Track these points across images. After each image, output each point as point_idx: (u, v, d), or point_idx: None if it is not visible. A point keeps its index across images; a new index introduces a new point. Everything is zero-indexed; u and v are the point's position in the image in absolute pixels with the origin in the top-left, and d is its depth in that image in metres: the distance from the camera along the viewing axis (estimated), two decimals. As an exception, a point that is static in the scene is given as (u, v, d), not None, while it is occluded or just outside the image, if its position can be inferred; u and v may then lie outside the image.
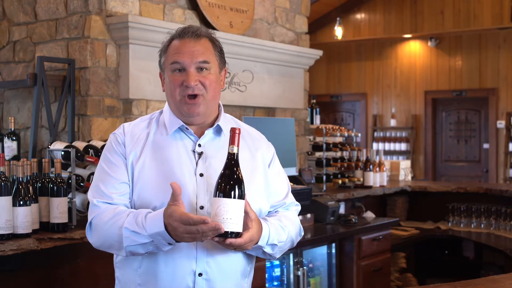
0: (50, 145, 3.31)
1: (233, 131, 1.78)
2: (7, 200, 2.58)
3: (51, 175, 2.88)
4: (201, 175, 1.88)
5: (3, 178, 2.56)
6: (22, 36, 3.88)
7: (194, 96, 1.89)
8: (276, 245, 1.90)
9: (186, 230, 1.69)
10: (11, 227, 2.60)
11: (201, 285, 1.84)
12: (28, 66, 3.83)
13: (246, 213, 1.76)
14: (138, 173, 1.88)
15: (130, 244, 1.78)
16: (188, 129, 1.93)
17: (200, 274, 1.84)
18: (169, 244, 1.76)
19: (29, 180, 2.73)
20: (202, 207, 1.85)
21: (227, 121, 2.01)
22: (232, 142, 1.78)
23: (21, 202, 2.64)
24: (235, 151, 1.77)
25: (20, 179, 2.67)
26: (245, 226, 1.76)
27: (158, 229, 1.73)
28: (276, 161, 2.07)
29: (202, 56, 1.90)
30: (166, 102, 1.99)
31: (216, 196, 1.73)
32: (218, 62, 1.97)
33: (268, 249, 1.89)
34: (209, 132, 1.94)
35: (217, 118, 1.98)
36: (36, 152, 3.48)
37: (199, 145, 1.92)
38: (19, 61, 3.89)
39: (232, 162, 1.76)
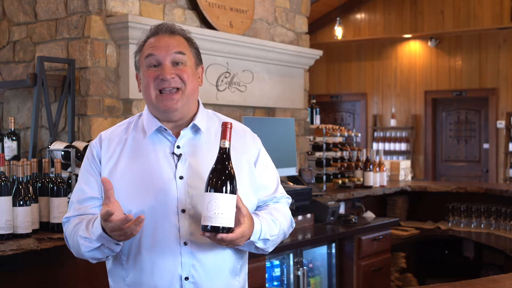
0: (50, 145, 3.31)
1: (224, 125, 1.76)
2: (7, 200, 2.58)
3: (51, 175, 2.88)
4: (181, 177, 1.84)
5: (3, 178, 2.56)
6: (22, 36, 3.88)
7: (171, 91, 1.85)
8: (268, 239, 1.88)
9: (110, 227, 1.69)
10: (11, 227, 2.60)
11: None
12: (28, 66, 3.83)
13: (238, 208, 1.74)
14: (117, 180, 1.84)
15: (86, 250, 1.80)
16: (166, 130, 1.89)
17: (186, 278, 1.82)
18: (116, 244, 1.76)
19: (29, 180, 2.73)
20: (183, 211, 1.82)
21: (208, 118, 1.97)
22: (223, 136, 1.76)
23: (21, 202, 2.64)
24: (226, 145, 1.75)
25: (20, 179, 2.67)
26: (237, 222, 1.74)
27: (99, 231, 1.74)
28: (262, 154, 2.02)
29: (177, 47, 1.88)
30: (146, 105, 1.96)
31: (207, 191, 1.71)
32: (195, 59, 1.93)
33: (260, 244, 1.87)
34: (186, 132, 1.90)
35: (194, 116, 1.93)
36: (36, 152, 3.48)
37: (178, 147, 1.88)
38: (19, 61, 3.89)
39: (223, 157, 1.74)
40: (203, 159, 1.87)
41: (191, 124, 1.90)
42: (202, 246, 1.82)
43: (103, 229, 1.72)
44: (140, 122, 1.95)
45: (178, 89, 1.86)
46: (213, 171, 1.73)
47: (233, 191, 1.72)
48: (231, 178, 1.72)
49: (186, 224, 1.82)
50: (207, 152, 1.87)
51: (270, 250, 1.95)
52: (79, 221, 1.85)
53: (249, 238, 1.81)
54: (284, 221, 1.98)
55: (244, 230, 1.75)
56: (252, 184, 1.94)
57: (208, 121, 1.96)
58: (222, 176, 1.71)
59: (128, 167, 1.87)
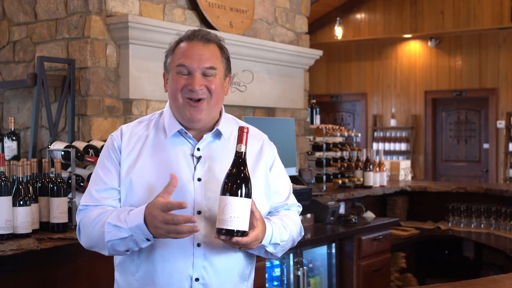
0: (50, 145, 3.31)
1: (241, 129, 1.78)
2: (7, 200, 2.58)
3: (51, 175, 2.88)
4: (199, 179, 1.87)
5: (3, 178, 2.56)
6: (22, 36, 3.88)
7: (198, 100, 1.87)
8: (278, 244, 1.90)
9: (164, 218, 1.69)
10: (11, 227, 2.60)
11: None
12: (28, 66, 3.83)
13: (251, 212, 1.76)
14: (135, 176, 1.87)
15: (111, 239, 1.79)
16: (187, 133, 1.91)
17: (197, 279, 1.83)
18: (147, 240, 1.76)
19: (29, 180, 2.73)
20: (199, 212, 1.84)
21: (228, 123, 2.00)
22: (240, 141, 1.78)
23: (21, 202, 2.64)
24: (243, 149, 1.77)
25: (20, 179, 2.67)
26: (251, 225, 1.76)
27: (138, 221, 1.74)
28: (277, 162, 2.06)
29: (209, 61, 1.88)
30: (167, 103, 1.98)
31: (223, 195, 1.73)
32: (224, 69, 1.95)
33: (270, 248, 1.89)
34: (208, 136, 1.92)
35: (217, 122, 1.96)
36: (36, 152, 3.48)
37: (198, 149, 1.90)
38: (19, 61, 3.89)
39: (239, 161, 1.77)
40: (222, 163, 1.88)
41: (214, 130, 1.93)
42: (215, 248, 1.84)
43: (145, 221, 1.73)
44: (161, 121, 1.97)
45: (203, 99, 1.88)
46: (229, 175, 1.75)
47: (249, 195, 1.74)
48: (247, 182, 1.75)
49: (201, 226, 1.83)
50: (227, 157, 1.89)
51: (279, 255, 1.97)
52: (104, 211, 1.84)
53: (261, 242, 1.83)
54: (294, 228, 2.00)
55: (258, 233, 1.78)
56: (266, 189, 1.97)
57: (228, 126, 1.99)
58: (238, 179, 1.74)
59: (147, 165, 1.88)
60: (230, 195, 1.72)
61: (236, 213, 1.70)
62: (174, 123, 1.92)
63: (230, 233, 1.71)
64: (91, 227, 1.85)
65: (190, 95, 1.87)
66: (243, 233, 1.73)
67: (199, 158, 1.89)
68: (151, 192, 1.83)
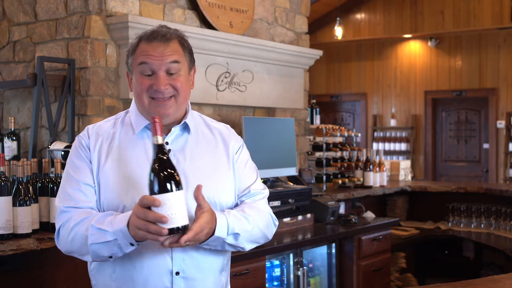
0: (50, 145, 3.31)
1: (152, 119, 1.68)
2: (7, 200, 2.58)
3: (51, 175, 2.88)
4: None
5: (3, 178, 2.57)
6: (22, 36, 3.88)
7: (165, 98, 1.85)
8: (238, 234, 1.84)
9: (137, 211, 1.63)
10: (11, 227, 2.60)
11: (179, 284, 1.81)
12: (28, 66, 3.83)
13: (198, 204, 1.71)
14: (104, 174, 1.85)
15: (93, 242, 1.74)
16: None
17: (177, 273, 1.81)
18: (131, 244, 1.72)
19: (29, 180, 2.74)
20: None
21: (194, 119, 1.99)
22: (155, 132, 1.66)
23: (21, 202, 2.64)
24: (159, 141, 1.66)
25: (20, 179, 2.67)
26: (196, 217, 1.71)
27: (121, 225, 1.70)
28: (243, 152, 2.04)
29: (172, 57, 1.86)
30: (133, 102, 1.96)
31: (152, 194, 1.61)
32: (188, 63, 1.93)
33: (231, 239, 1.83)
34: (176, 130, 1.91)
35: (185, 115, 1.95)
36: (36, 152, 3.48)
37: (167, 143, 1.89)
38: (19, 61, 3.89)
39: (159, 154, 1.65)
40: (191, 156, 1.89)
41: (182, 123, 1.93)
42: None
43: (128, 225, 1.69)
44: (128, 119, 1.96)
45: (171, 96, 1.87)
46: (152, 172, 1.63)
47: (179, 186, 1.63)
48: (172, 174, 1.63)
49: None
50: (195, 150, 1.91)
51: (247, 247, 1.92)
52: (88, 215, 1.81)
53: (213, 234, 1.77)
54: (259, 218, 1.94)
55: (202, 224, 1.71)
56: (234, 180, 1.96)
57: (194, 122, 1.99)
58: (162, 174, 1.62)
59: (118, 161, 1.87)
60: (162, 192, 1.59)
61: (173, 209, 1.59)
62: (141, 119, 1.91)
63: (171, 231, 1.60)
64: (75, 231, 1.80)
65: (156, 95, 1.85)
66: (185, 228, 1.64)
67: (168, 152, 1.86)
68: (126, 189, 1.82)
